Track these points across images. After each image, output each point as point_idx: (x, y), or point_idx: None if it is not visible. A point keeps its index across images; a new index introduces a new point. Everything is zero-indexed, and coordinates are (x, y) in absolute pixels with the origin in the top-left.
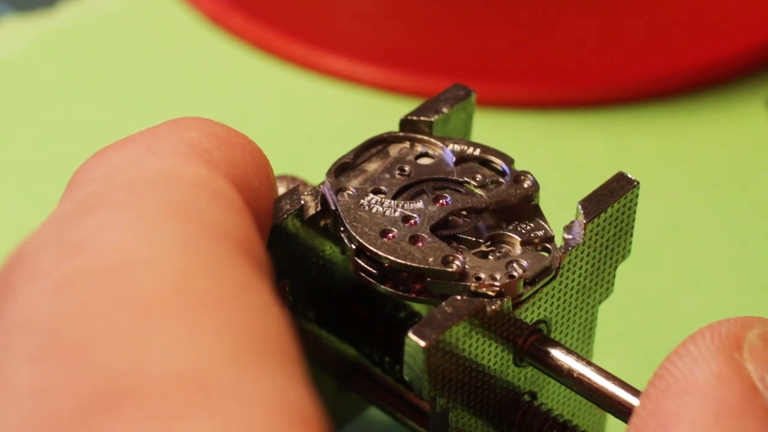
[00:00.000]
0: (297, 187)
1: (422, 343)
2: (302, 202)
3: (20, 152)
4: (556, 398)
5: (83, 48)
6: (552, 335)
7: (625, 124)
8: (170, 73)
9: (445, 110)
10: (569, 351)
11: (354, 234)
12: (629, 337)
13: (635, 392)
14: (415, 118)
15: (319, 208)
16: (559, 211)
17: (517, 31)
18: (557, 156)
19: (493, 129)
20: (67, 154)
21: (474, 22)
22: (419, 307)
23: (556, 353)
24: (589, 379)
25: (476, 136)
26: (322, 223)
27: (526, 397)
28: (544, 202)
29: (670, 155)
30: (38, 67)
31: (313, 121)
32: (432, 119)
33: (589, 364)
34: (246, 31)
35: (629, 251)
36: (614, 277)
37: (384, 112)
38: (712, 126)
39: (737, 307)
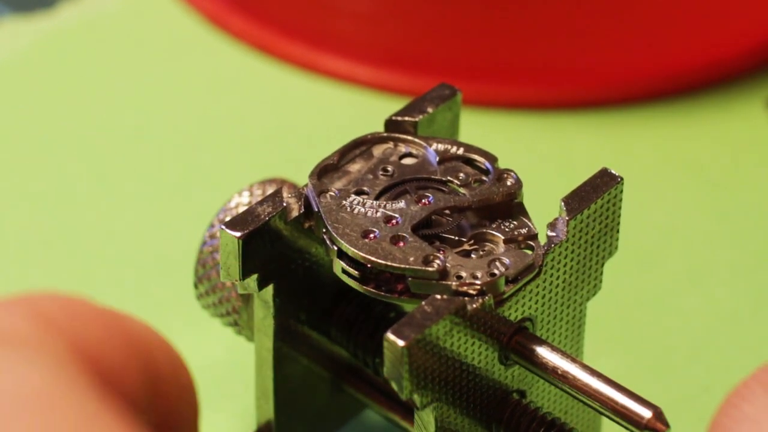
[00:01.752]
0: (279, 189)
1: (401, 343)
2: (284, 204)
3: (19, 152)
4: (546, 396)
5: (82, 49)
6: (538, 333)
7: (625, 124)
8: (169, 73)
9: (429, 110)
10: (554, 348)
11: (335, 235)
12: (629, 337)
13: (620, 389)
14: (399, 118)
15: (302, 210)
16: (558, 211)
17: (517, 32)
18: (557, 156)
19: (493, 129)
20: (66, 155)
21: (473, 22)
22: (410, 308)
23: (541, 350)
24: (573, 375)
25: (475, 136)
26: (307, 225)
27: (515, 396)
28: (543, 202)
29: (670, 155)
30: (38, 68)
31: (312, 122)
32: (416, 119)
33: (574, 360)
34: (245, 32)
35: (616, 247)
36: (601, 273)
37: (383, 113)
38: (712, 126)
39: (737, 307)
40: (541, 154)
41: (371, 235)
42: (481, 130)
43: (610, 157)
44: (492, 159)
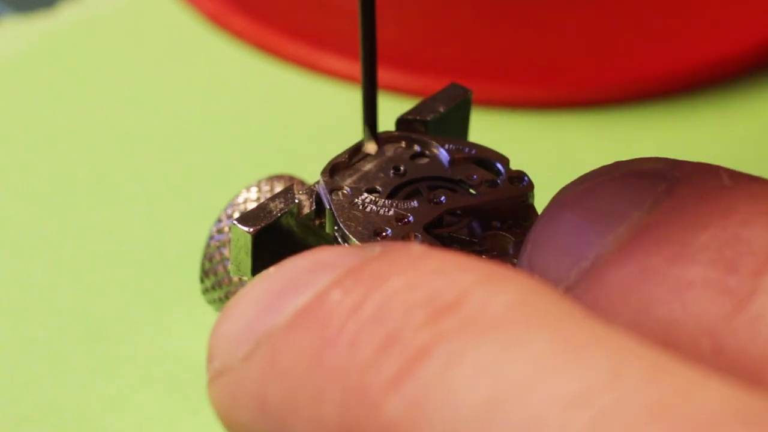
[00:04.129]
0: (291, 186)
1: None
2: (296, 200)
3: (20, 153)
4: None
5: (83, 49)
6: None
7: (625, 124)
8: (170, 73)
9: (441, 110)
10: None
11: (347, 233)
12: None
13: None
14: (410, 117)
15: (313, 207)
16: None
17: (518, 31)
18: (557, 156)
19: (493, 129)
20: (66, 155)
21: (474, 22)
22: None
23: None
24: None
25: (476, 136)
26: (318, 222)
27: None
28: (545, 202)
29: (671, 155)
30: (38, 68)
31: (314, 121)
32: (428, 119)
33: None
34: (246, 31)
35: None
36: None
37: (385, 112)
38: (712, 126)
39: None
40: (541, 154)
41: (383, 234)
42: (482, 129)
43: (610, 157)
44: (504, 160)
